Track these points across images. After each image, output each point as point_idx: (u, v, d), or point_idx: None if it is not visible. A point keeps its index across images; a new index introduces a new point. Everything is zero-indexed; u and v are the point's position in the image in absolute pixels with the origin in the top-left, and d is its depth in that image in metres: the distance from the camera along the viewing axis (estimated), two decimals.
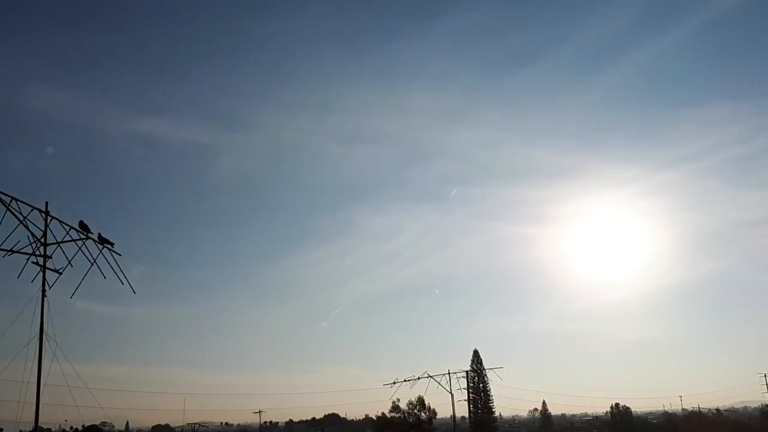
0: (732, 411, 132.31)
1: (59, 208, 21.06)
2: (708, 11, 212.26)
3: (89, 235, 21.43)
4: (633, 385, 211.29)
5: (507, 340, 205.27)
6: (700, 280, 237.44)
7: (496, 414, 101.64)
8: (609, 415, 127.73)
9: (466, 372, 71.68)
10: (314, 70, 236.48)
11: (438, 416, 77.01)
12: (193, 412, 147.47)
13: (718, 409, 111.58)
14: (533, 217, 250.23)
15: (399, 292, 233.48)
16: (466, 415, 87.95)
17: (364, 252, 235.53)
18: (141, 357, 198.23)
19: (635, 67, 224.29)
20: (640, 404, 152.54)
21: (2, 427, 69.49)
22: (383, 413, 74.28)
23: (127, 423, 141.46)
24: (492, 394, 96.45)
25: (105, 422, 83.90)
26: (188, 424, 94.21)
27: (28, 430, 35.07)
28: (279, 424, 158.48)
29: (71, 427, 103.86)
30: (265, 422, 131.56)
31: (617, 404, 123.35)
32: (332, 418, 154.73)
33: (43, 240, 20.43)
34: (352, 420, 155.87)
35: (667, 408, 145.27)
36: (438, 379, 66.17)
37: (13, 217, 19.50)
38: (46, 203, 20.75)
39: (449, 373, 67.10)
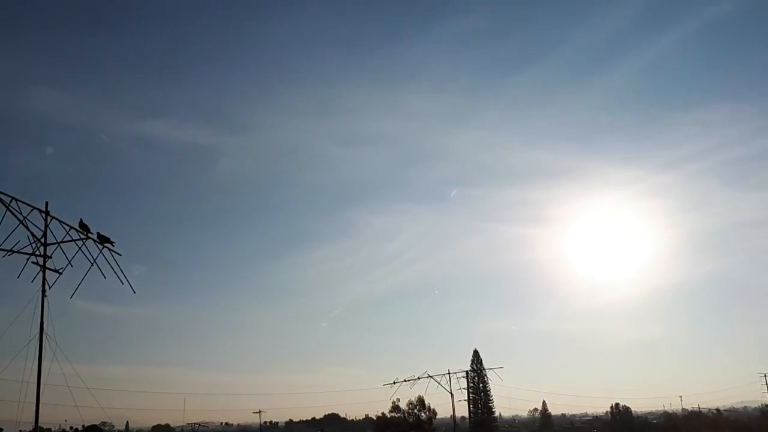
0: (732, 411, 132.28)
1: (60, 208, 21.10)
2: (707, 12, 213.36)
3: (89, 235, 21.42)
4: (633, 385, 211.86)
5: (507, 340, 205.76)
6: (700, 280, 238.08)
7: (496, 414, 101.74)
8: (609, 415, 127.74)
9: (466, 372, 71.75)
10: (314, 72, 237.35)
11: (438, 416, 77.09)
12: (193, 412, 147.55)
13: (718, 409, 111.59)
14: (533, 217, 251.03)
15: (399, 292, 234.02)
16: (466, 415, 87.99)
17: (364, 252, 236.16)
18: (141, 357, 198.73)
19: (634, 68, 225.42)
20: (640, 404, 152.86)
21: (2, 427, 69.51)
22: (383, 413, 74.37)
23: (127, 423, 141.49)
24: (492, 394, 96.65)
25: (105, 422, 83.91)
26: (188, 424, 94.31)
27: (28, 430, 35.07)
28: (279, 424, 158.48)
29: (71, 427, 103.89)
30: (265, 422, 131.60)
31: (617, 404, 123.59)
32: (332, 418, 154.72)
33: (43, 240, 20.42)
34: (352, 420, 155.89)
35: (667, 408, 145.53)
36: (438, 379, 66.30)
37: (13, 217, 19.51)
38: (46, 203, 20.76)
39: (449, 373, 67.24)
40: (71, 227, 21.17)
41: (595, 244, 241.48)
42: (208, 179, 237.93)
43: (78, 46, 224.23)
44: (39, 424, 20.03)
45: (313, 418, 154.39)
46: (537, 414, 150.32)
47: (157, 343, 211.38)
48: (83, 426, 72.49)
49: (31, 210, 20.14)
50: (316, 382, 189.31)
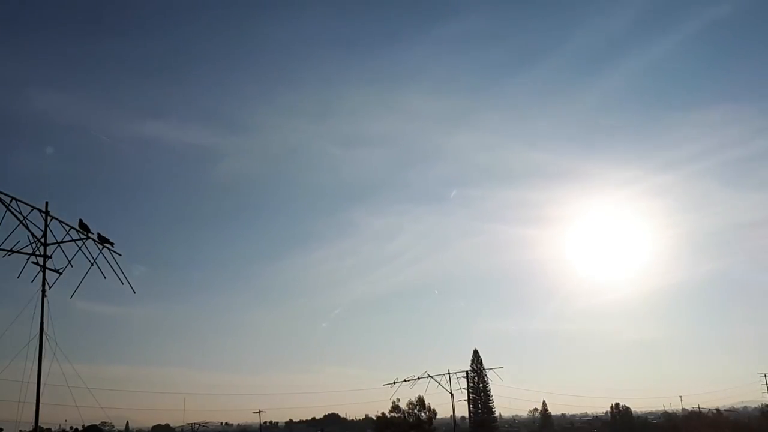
0: (732, 411, 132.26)
1: (60, 209, 21.11)
2: (706, 14, 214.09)
3: (89, 235, 21.42)
4: (633, 385, 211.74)
5: (507, 340, 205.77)
6: (700, 280, 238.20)
7: (496, 414, 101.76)
8: (609, 415, 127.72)
9: (466, 372, 71.72)
10: (315, 72, 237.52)
11: (438, 416, 77.10)
12: (193, 412, 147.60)
13: (718, 409, 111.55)
14: (533, 218, 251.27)
15: (399, 292, 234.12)
16: (466, 415, 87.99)
17: (364, 253, 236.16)
18: (141, 357, 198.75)
19: (634, 69, 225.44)
20: (640, 404, 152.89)
21: (2, 427, 69.51)
22: (383, 413, 74.35)
23: (127, 423, 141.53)
24: (492, 394, 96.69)
25: (105, 422, 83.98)
26: (188, 424, 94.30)
27: (28, 430, 35.07)
28: (279, 424, 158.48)
29: (71, 427, 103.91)
30: (265, 422, 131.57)
31: (617, 404, 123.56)
32: (332, 418, 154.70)
33: (43, 240, 20.42)
34: (352, 420, 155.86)
35: (667, 408, 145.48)
36: (438, 379, 66.30)
37: (13, 217, 19.51)
38: (46, 203, 20.77)
39: (449, 373, 67.24)
40: (71, 227, 21.17)
41: (595, 244, 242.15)
42: (208, 180, 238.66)
43: (78, 47, 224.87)
44: (39, 424, 20.03)
45: (313, 418, 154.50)
46: (537, 414, 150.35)
47: (157, 343, 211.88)
48: (83, 426, 72.54)
49: (31, 210, 20.15)
50: (316, 382, 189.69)
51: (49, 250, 20.57)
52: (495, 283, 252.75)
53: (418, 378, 65.34)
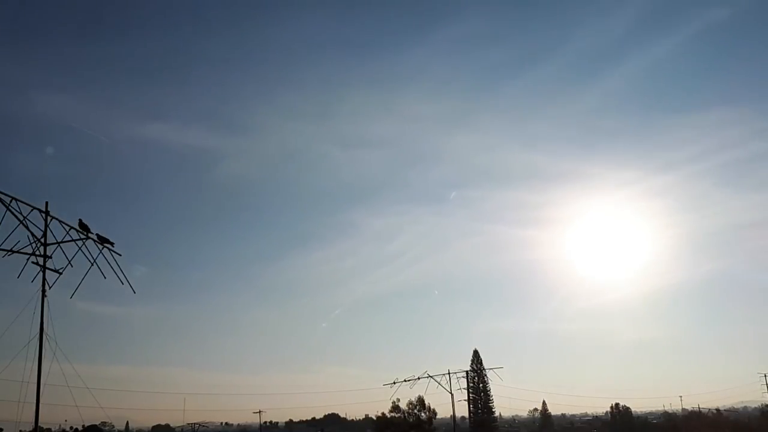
0: (732, 411, 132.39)
1: (61, 210, 21.08)
2: (705, 17, 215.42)
3: (89, 235, 21.41)
4: (633, 385, 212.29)
5: (507, 340, 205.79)
6: (700, 280, 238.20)
7: (496, 414, 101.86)
8: (609, 415, 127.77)
9: (466, 372, 71.72)
10: (315, 75, 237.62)
11: (438, 416, 77.12)
12: (193, 412, 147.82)
13: (718, 409, 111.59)
14: (532, 219, 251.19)
15: (399, 293, 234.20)
16: (466, 415, 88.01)
17: (364, 253, 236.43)
18: (141, 357, 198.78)
19: (634, 71, 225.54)
20: (640, 404, 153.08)
21: (2, 427, 69.47)
22: (383, 413, 74.40)
23: (127, 423, 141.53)
24: (492, 394, 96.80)
25: (105, 422, 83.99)
26: (188, 424, 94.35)
27: (28, 430, 35.05)
28: (279, 424, 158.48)
29: (71, 427, 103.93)
30: (265, 422, 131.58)
31: (617, 404, 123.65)
32: (332, 418, 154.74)
33: (43, 240, 20.41)
34: (352, 420, 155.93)
35: (667, 408, 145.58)
36: (438, 379, 66.28)
37: (13, 217, 19.50)
38: (46, 203, 20.74)
39: (449, 373, 67.21)
40: (71, 227, 21.15)
41: (594, 244, 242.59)
42: (208, 180, 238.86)
43: (78, 48, 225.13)
44: (39, 424, 20.02)
45: (313, 418, 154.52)
46: (537, 414, 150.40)
47: (157, 344, 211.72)
48: (83, 426, 72.55)
49: (31, 210, 20.11)
50: (316, 382, 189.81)
51: (49, 250, 20.54)
52: (495, 284, 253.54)
53: (418, 378, 65.41)
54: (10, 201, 19.35)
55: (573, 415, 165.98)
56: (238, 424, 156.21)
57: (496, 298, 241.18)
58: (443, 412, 75.55)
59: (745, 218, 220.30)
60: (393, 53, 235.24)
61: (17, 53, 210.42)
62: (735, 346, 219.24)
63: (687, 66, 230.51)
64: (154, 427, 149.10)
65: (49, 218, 20.63)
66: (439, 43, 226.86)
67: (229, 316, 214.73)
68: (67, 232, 21.04)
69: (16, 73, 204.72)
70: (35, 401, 19.08)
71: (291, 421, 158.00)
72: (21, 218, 19.67)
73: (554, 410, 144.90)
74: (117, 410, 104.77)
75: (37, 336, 19.42)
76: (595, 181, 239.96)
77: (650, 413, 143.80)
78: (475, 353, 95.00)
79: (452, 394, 66.35)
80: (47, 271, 20.24)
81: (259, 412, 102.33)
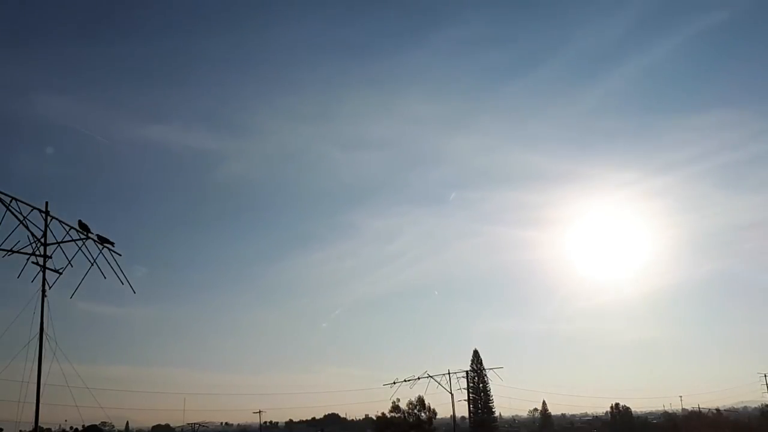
0: (732, 411, 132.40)
1: (61, 210, 21.06)
2: (705, 17, 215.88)
3: (89, 235, 21.41)
4: (633, 385, 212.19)
5: (507, 340, 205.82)
6: (699, 280, 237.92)
7: (496, 414, 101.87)
8: (609, 415, 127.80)
9: (466, 372, 71.68)
10: (315, 76, 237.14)
11: (438, 416, 77.14)
12: (193, 412, 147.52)
13: (718, 409, 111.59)
14: (532, 220, 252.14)
15: (399, 293, 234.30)
16: (466, 415, 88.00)
17: (364, 254, 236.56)
18: (141, 357, 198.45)
19: (633, 73, 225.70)
20: (640, 404, 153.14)
21: (2, 427, 69.48)
22: (383, 413, 74.38)
23: (127, 423, 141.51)
24: (492, 394, 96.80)
25: (105, 422, 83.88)
26: (188, 424, 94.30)
27: (28, 430, 35.05)
28: (279, 424, 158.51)
29: (71, 427, 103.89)
30: (265, 422, 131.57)
31: (617, 404, 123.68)
32: (332, 418, 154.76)
33: (43, 240, 20.40)
34: (352, 420, 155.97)
35: (667, 408, 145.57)
36: (438, 379, 66.24)
37: (13, 217, 19.50)
38: (46, 203, 20.72)
39: (449, 373, 67.16)
40: (71, 227, 21.13)
41: (594, 244, 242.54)
42: (209, 182, 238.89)
43: (79, 49, 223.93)
44: (39, 424, 20.01)
45: (313, 418, 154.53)
46: (537, 414, 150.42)
47: (157, 344, 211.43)
48: (83, 426, 72.49)
49: (31, 210, 20.10)
50: (316, 382, 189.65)
51: (49, 250, 20.53)
52: (495, 284, 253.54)
53: (418, 378, 65.38)
54: (10, 201, 19.35)
55: (573, 415, 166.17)
56: (238, 424, 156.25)
57: (496, 298, 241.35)
58: (443, 412, 75.70)
59: (745, 219, 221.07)
60: (393, 54, 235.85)
61: (18, 54, 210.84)
62: (735, 346, 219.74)
63: (687, 67, 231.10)
64: (154, 427, 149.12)
65: (49, 218, 20.62)
66: (439, 45, 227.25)
67: (229, 317, 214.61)
68: (67, 232, 21.04)
69: (16, 74, 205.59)
70: (35, 401, 19.07)
71: (291, 421, 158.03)
72: (21, 218, 19.66)
73: (554, 410, 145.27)
74: (117, 410, 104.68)
75: (37, 336, 19.41)
76: (595, 182, 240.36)
77: (650, 413, 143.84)
78: (475, 353, 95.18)
79: (452, 394, 66.44)
80: (47, 271, 20.24)
81: (259, 412, 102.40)
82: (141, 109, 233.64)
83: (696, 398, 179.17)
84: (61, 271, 20.61)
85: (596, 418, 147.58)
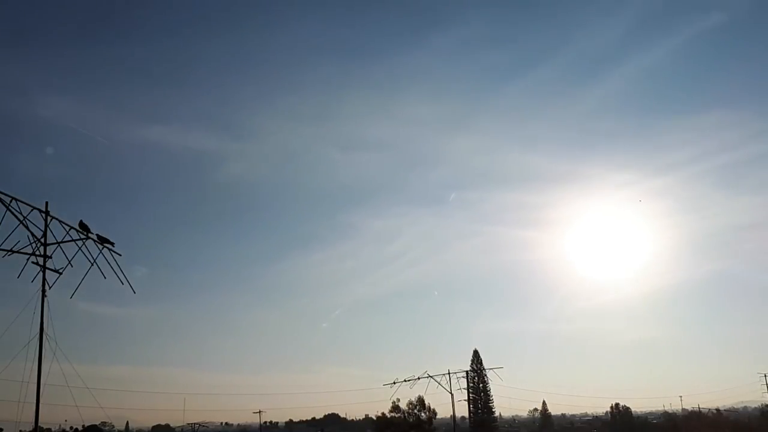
0: (732, 411, 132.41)
1: (61, 210, 21.07)
2: (705, 19, 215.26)
3: (89, 235, 21.41)
4: (633, 385, 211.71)
5: (507, 340, 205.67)
6: (699, 280, 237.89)
7: (496, 414, 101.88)
8: (609, 415, 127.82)
9: (466, 372, 71.76)
10: (315, 77, 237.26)
11: (438, 416, 77.17)
12: (193, 412, 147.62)
13: (718, 409, 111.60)
14: (531, 220, 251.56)
15: (399, 293, 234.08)
16: (466, 415, 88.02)
17: (364, 255, 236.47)
18: (141, 357, 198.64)
19: (633, 73, 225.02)
20: (640, 404, 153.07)
21: (2, 427, 69.49)
22: (383, 413, 74.41)
23: (127, 423, 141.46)
24: (492, 394, 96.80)
25: (105, 422, 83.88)
26: (188, 424, 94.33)
27: (28, 430, 35.07)
28: (279, 424, 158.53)
29: (71, 427, 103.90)
30: (265, 422, 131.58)
31: (617, 404, 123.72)
32: (332, 418, 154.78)
33: (43, 240, 20.41)
34: (352, 420, 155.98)
35: (667, 408, 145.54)
36: (438, 379, 66.31)
37: (13, 217, 19.50)
38: (46, 203, 20.74)
39: (449, 373, 67.22)
40: (71, 227, 21.15)
41: (594, 245, 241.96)
42: (209, 182, 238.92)
43: (79, 50, 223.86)
44: (39, 424, 20.03)
45: (313, 418, 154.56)
46: (537, 414, 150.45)
47: (157, 344, 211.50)
48: (83, 426, 72.48)
49: (31, 210, 20.11)
50: (316, 382, 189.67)
51: (49, 250, 20.54)
52: (495, 284, 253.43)
53: (418, 378, 65.44)
54: (10, 201, 19.36)
55: (573, 415, 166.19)
56: (238, 424, 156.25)
57: (496, 298, 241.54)
58: (443, 412, 75.72)
59: (745, 219, 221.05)
60: (392, 55, 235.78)
61: (18, 54, 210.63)
62: (735, 346, 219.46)
63: (687, 68, 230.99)
64: (154, 427, 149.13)
65: (49, 218, 20.63)
66: (439, 46, 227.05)
67: (229, 317, 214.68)
68: (67, 232, 21.05)
69: (16, 74, 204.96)
70: (35, 401, 19.08)
71: (291, 421, 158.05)
72: (21, 218, 19.67)
73: (554, 410, 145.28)
74: (117, 410, 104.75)
75: (37, 336, 19.42)
76: (595, 182, 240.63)
77: (650, 413, 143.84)
78: (475, 353, 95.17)
79: (452, 394, 66.50)
80: (47, 271, 20.25)
81: (259, 412, 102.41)
82: (141, 110, 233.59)
83: (696, 398, 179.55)
84: (61, 271, 20.64)
85: (596, 418, 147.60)
